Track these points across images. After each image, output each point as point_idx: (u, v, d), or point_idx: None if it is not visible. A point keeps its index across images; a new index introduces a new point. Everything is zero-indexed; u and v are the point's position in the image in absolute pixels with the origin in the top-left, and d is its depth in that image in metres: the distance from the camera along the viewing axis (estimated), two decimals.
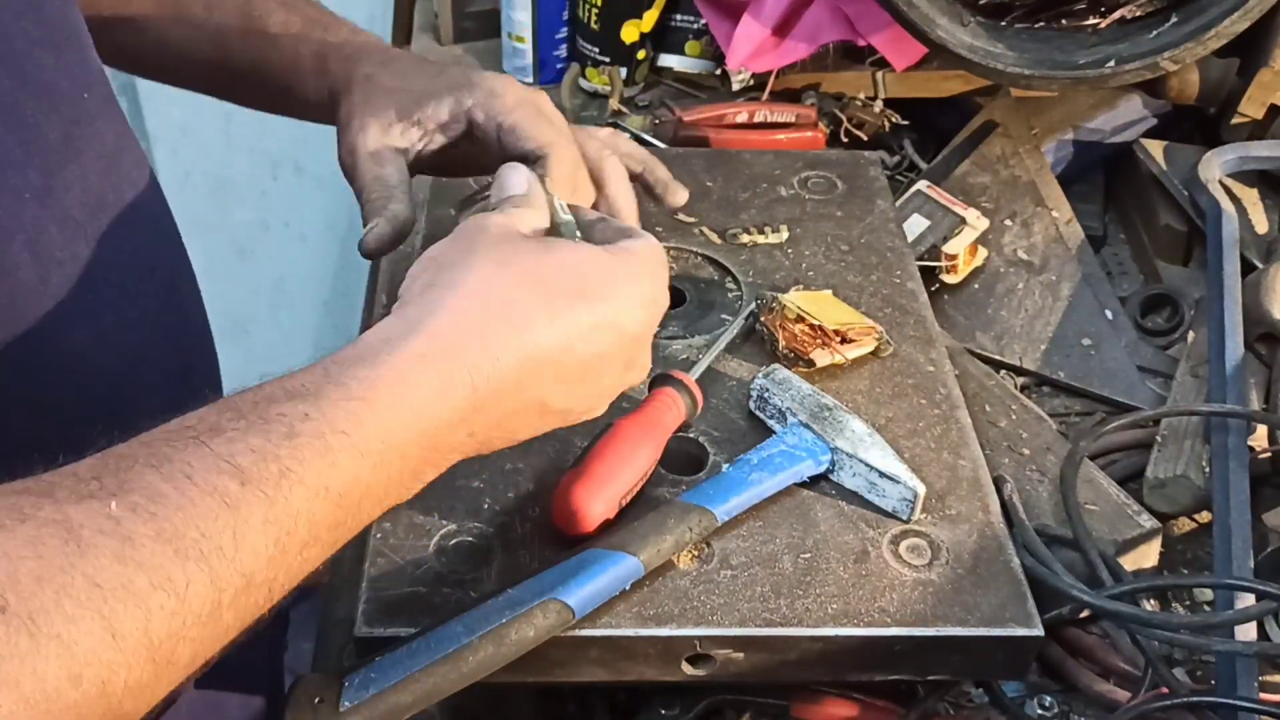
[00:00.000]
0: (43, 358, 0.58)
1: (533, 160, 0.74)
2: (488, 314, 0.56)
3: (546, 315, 0.57)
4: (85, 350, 0.60)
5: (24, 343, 0.56)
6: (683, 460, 0.76)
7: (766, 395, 0.77)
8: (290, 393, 0.50)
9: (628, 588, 0.66)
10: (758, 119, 1.22)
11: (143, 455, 0.46)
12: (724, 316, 0.87)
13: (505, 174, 0.66)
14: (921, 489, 0.72)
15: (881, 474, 0.72)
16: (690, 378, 0.76)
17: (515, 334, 0.56)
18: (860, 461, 0.73)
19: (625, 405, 0.78)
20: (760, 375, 0.78)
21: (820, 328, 0.81)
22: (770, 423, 0.78)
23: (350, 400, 0.51)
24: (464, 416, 0.55)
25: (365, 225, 0.75)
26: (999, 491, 0.79)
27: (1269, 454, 0.89)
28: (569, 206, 0.66)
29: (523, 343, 0.56)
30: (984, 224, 1.05)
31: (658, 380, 0.76)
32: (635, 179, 0.85)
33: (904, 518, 0.73)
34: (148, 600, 0.43)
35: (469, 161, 0.81)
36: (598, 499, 0.68)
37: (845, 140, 1.23)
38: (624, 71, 1.33)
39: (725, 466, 0.74)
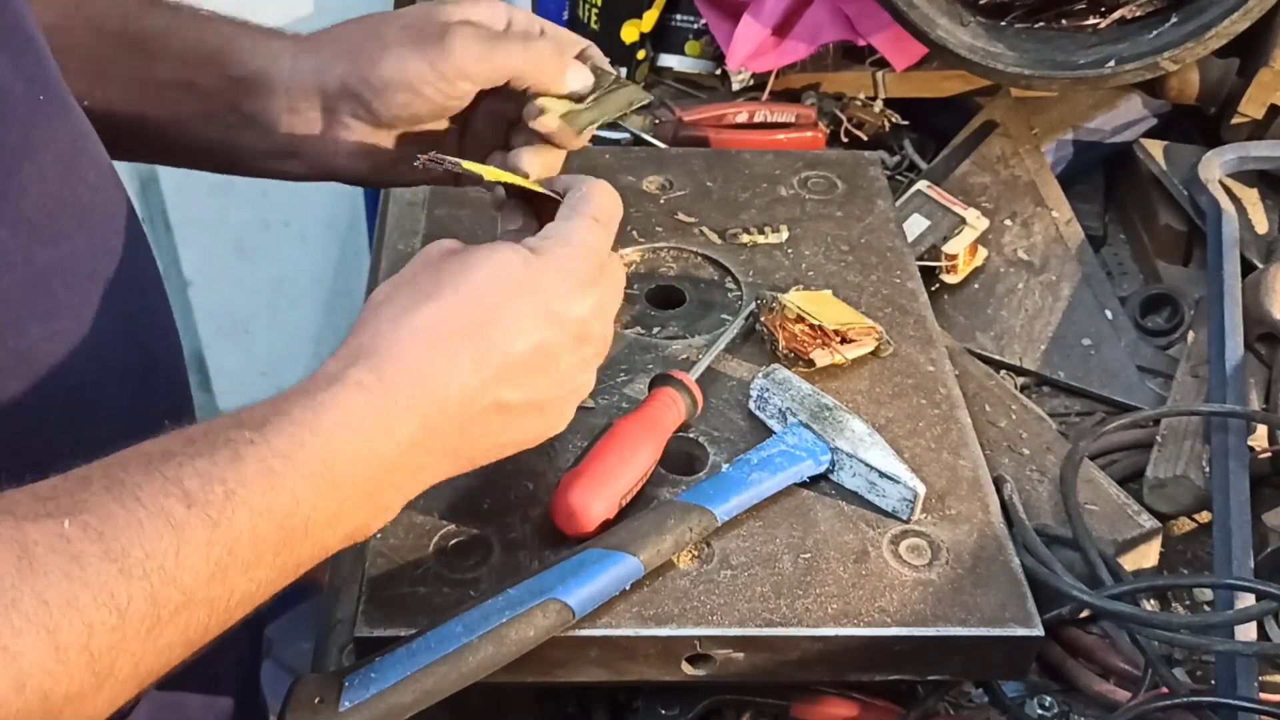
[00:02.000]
0: None
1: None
2: (432, 350, 0.58)
3: (470, 329, 0.59)
4: (40, 350, 0.61)
5: None
6: (683, 460, 0.76)
7: (766, 395, 0.77)
8: (240, 421, 0.53)
9: (628, 588, 0.66)
10: (758, 119, 1.22)
11: (99, 477, 0.49)
12: (724, 316, 0.87)
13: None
14: (921, 489, 0.72)
15: (881, 474, 0.72)
16: (690, 378, 0.76)
17: (449, 358, 0.58)
18: (860, 461, 0.73)
19: (625, 406, 0.78)
20: (760, 375, 0.78)
21: (820, 328, 0.81)
22: (770, 423, 0.78)
23: (294, 426, 0.53)
24: (417, 442, 0.57)
25: (553, 70, 0.74)
26: (999, 491, 0.79)
27: (1269, 454, 0.89)
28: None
29: (456, 363, 0.59)
30: (984, 224, 1.05)
31: (657, 380, 0.76)
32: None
33: (904, 518, 0.73)
34: (90, 616, 0.46)
35: None
36: (597, 499, 0.68)
37: (845, 140, 1.23)
38: (624, 71, 1.33)
39: (725, 466, 0.74)
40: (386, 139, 0.78)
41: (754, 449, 0.75)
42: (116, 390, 0.66)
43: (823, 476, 0.75)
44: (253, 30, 0.79)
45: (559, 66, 0.74)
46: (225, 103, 0.77)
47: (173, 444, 0.52)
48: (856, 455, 0.73)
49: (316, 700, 0.58)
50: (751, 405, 0.79)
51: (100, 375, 0.65)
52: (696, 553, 0.70)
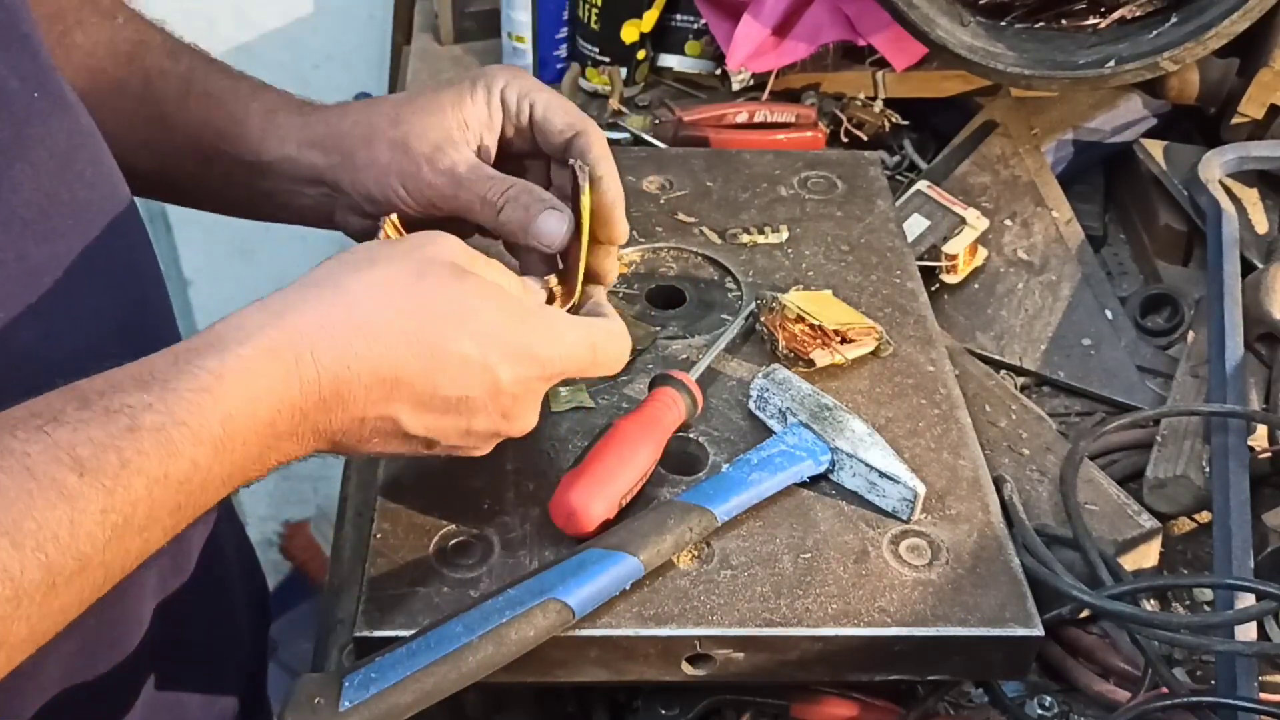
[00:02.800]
0: None
1: (566, 142, 0.73)
2: (352, 321, 0.57)
3: (412, 340, 0.58)
4: (34, 348, 0.61)
5: None
6: (683, 460, 0.76)
7: (766, 395, 0.77)
8: (137, 380, 0.52)
9: (628, 588, 0.66)
10: (758, 119, 1.22)
11: None
12: (724, 316, 0.87)
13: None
14: (921, 489, 0.72)
15: (882, 474, 0.72)
16: (690, 378, 0.76)
17: (373, 347, 0.57)
18: (860, 461, 0.73)
19: (625, 406, 0.78)
20: (760, 375, 0.78)
21: (820, 328, 0.81)
22: (770, 423, 0.78)
23: (195, 391, 0.53)
24: (306, 411, 0.56)
25: (518, 228, 0.71)
26: (999, 491, 0.79)
27: (1269, 454, 0.89)
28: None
29: (380, 358, 0.58)
30: (984, 224, 1.05)
31: (657, 380, 0.76)
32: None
33: (904, 518, 0.72)
34: None
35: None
36: (597, 499, 0.68)
37: (845, 140, 1.23)
38: (624, 71, 1.33)
39: (725, 466, 0.74)
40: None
41: (754, 449, 0.75)
42: None
43: (823, 476, 0.75)
44: (260, 108, 0.78)
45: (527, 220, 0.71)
46: (241, 179, 0.79)
47: (64, 406, 0.51)
48: (856, 455, 0.73)
49: (316, 700, 0.58)
50: (751, 405, 0.79)
51: (98, 373, 0.65)
52: (696, 553, 0.70)
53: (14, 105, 0.60)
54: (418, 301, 0.59)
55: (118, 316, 0.67)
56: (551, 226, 0.70)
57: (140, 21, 0.82)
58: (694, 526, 0.68)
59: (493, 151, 0.75)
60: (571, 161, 0.71)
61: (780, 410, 0.77)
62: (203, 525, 0.78)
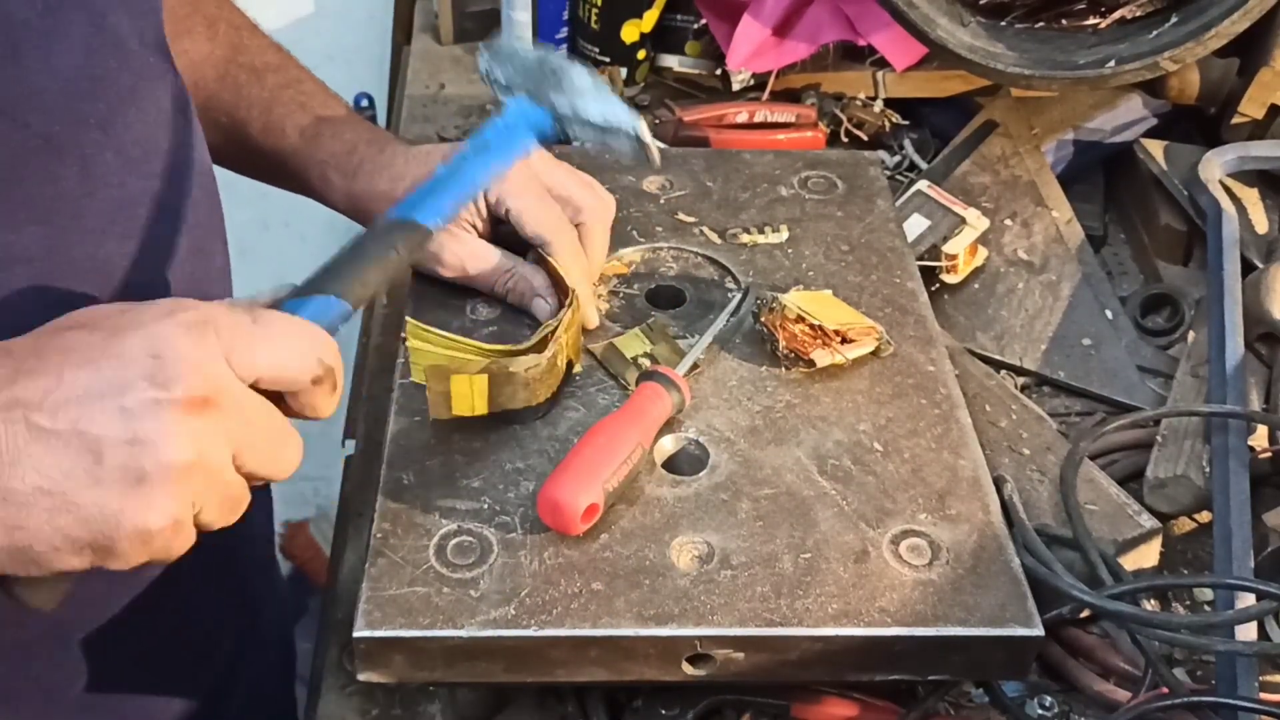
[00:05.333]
0: (75, 261, 0.65)
1: (537, 245, 0.84)
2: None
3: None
4: (115, 263, 0.67)
5: (60, 244, 0.64)
6: (683, 461, 0.76)
7: (492, 71, 0.75)
8: None
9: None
10: (758, 119, 1.22)
11: None
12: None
13: None
14: (640, 126, 0.71)
15: (604, 128, 0.72)
16: (676, 371, 0.77)
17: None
18: (582, 120, 0.72)
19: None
20: (483, 49, 0.76)
21: (820, 328, 0.81)
22: (502, 98, 0.75)
23: None
24: None
25: (519, 304, 0.86)
26: (999, 491, 0.79)
27: (1269, 454, 0.89)
28: None
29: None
30: (984, 224, 1.05)
31: (642, 376, 0.77)
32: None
33: (643, 163, 0.74)
34: None
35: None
36: (579, 492, 0.68)
37: (845, 140, 1.23)
38: (624, 71, 1.33)
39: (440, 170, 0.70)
40: None
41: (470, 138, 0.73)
42: None
43: (559, 142, 0.75)
44: (317, 160, 0.90)
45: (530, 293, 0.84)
46: (302, 188, 0.93)
47: None
48: (576, 115, 0.71)
49: None
50: (487, 84, 0.76)
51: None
52: (696, 553, 0.70)
53: (133, 61, 0.68)
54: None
55: (188, 254, 0.73)
56: (540, 308, 0.84)
57: (234, 32, 0.92)
58: (400, 245, 0.63)
59: (486, 229, 0.87)
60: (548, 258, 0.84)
61: (505, 84, 0.74)
62: None
